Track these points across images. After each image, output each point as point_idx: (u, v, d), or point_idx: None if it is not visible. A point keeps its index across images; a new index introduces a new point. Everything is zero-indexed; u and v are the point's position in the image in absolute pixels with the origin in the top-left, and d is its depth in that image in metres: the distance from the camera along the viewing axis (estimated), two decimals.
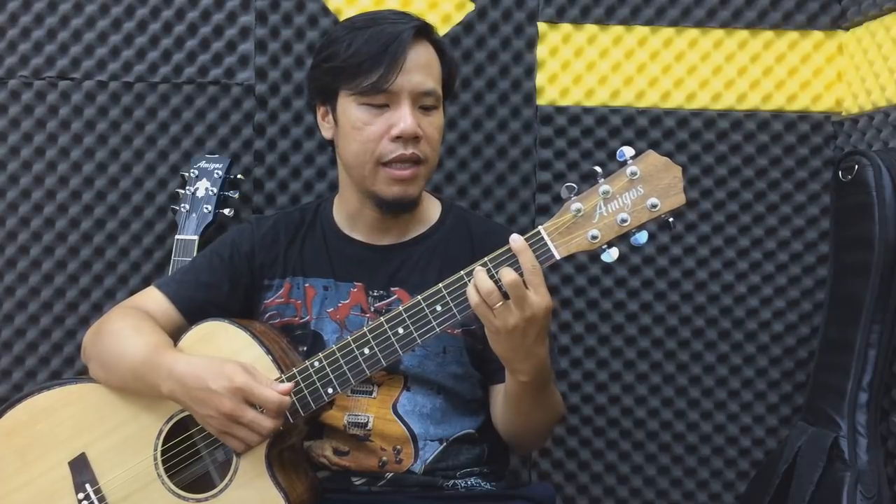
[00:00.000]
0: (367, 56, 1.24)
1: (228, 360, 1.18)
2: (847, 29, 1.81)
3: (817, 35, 1.82)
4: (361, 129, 1.26)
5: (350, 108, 1.28)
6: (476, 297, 1.10)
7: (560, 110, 1.83)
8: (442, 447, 1.33)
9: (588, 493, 1.85)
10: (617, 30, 1.82)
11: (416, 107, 1.27)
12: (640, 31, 1.82)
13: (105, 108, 1.81)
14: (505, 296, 1.09)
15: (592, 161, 1.82)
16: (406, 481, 1.32)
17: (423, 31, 1.29)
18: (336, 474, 1.33)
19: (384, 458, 1.32)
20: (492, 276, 1.11)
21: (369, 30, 1.26)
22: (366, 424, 1.31)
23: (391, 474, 1.32)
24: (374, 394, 1.32)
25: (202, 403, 1.16)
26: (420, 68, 1.26)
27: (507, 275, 1.09)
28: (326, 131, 1.36)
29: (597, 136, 1.82)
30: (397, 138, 1.24)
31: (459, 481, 1.34)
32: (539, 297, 1.10)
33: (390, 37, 1.24)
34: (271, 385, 1.17)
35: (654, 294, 1.84)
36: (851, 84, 1.80)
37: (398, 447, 1.32)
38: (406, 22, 1.27)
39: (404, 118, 1.24)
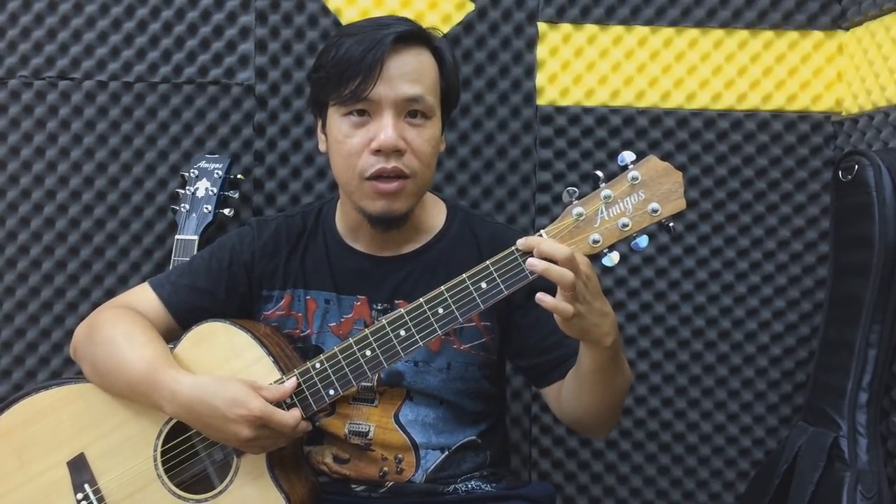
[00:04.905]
0: (347, 65, 1.18)
1: (231, 379, 1.17)
2: (847, 29, 1.81)
3: (817, 35, 1.82)
4: (343, 142, 1.21)
5: (335, 121, 1.23)
6: (571, 277, 1.04)
7: (560, 110, 1.82)
8: (444, 456, 1.32)
9: (588, 493, 1.85)
10: (617, 30, 1.82)
11: (402, 116, 1.20)
12: (640, 31, 1.82)
13: (105, 108, 1.81)
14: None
15: (592, 161, 1.82)
16: (406, 489, 1.31)
17: (412, 36, 1.21)
18: (335, 481, 1.33)
19: (385, 469, 1.30)
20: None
21: (355, 37, 1.19)
22: (367, 434, 1.30)
23: (391, 483, 1.31)
24: (376, 402, 1.31)
25: (218, 430, 1.16)
26: (405, 75, 1.19)
27: (560, 251, 1.04)
28: (322, 144, 1.31)
29: (597, 136, 1.82)
30: (377, 151, 1.19)
31: (459, 485, 1.33)
32: (581, 256, 1.07)
33: (370, 43, 1.17)
34: (276, 388, 1.17)
35: (654, 294, 1.84)
36: (851, 84, 1.80)
37: (399, 456, 1.31)
38: (394, 26, 1.20)
39: (384, 129, 1.18)
